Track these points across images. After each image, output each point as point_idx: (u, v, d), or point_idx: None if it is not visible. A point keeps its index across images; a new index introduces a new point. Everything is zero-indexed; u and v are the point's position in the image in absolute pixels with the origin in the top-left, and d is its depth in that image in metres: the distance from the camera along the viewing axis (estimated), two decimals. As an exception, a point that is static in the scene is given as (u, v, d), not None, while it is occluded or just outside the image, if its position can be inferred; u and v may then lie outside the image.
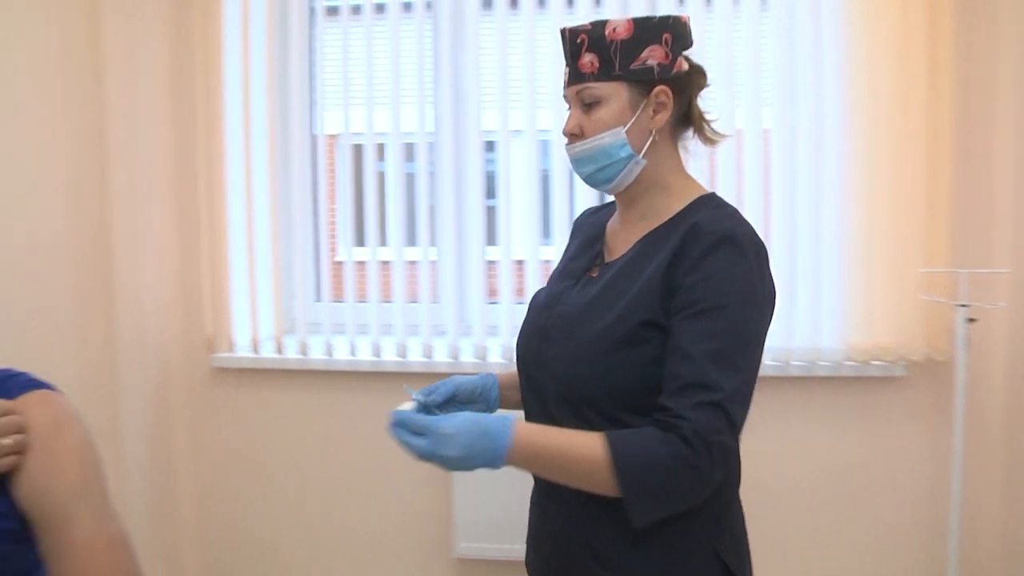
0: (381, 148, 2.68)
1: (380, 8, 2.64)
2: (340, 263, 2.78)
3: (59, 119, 2.35)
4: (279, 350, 2.74)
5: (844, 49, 2.41)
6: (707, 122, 1.44)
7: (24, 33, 2.22)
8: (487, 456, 1.24)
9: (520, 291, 2.71)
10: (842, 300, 2.47)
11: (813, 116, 2.45)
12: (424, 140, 2.63)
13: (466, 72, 2.66)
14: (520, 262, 2.63)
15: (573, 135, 1.41)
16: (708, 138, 1.45)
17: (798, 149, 2.48)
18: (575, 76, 1.40)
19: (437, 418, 1.28)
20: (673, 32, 1.37)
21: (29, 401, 1.19)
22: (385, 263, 2.67)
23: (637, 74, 1.36)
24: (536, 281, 2.60)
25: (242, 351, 2.76)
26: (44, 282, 2.28)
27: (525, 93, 2.58)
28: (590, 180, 1.43)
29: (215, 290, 2.73)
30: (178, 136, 2.75)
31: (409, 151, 2.66)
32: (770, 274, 1.34)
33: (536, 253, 2.62)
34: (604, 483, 1.23)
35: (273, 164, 2.74)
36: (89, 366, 2.43)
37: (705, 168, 2.41)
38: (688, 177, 1.45)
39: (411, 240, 2.71)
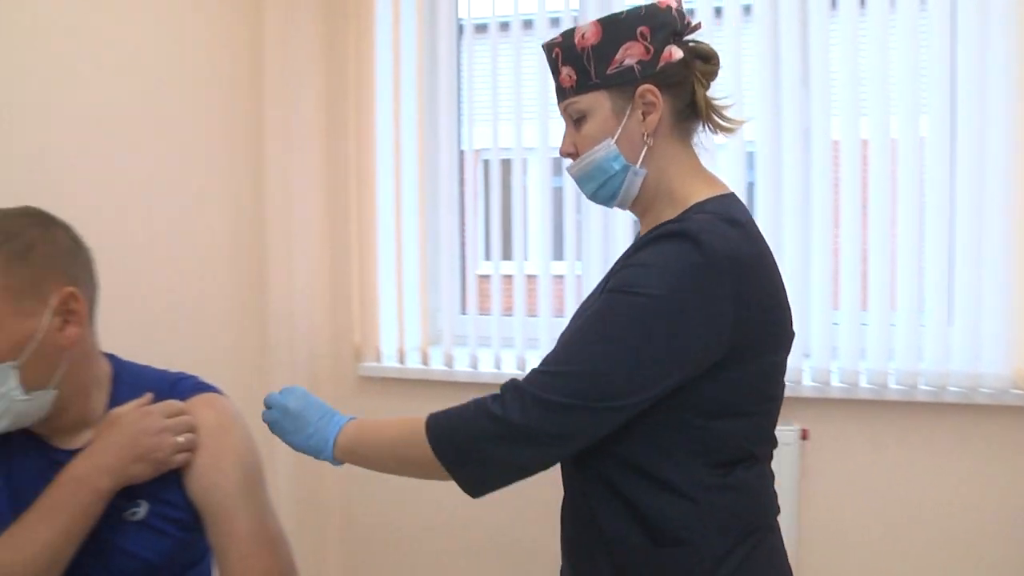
0: (524, 162, 2.72)
1: (527, 24, 2.69)
2: (486, 276, 2.83)
3: (220, 133, 2.50)
4: (425, 361, 2.81)
5: (1014, 51, 2.26)
6: (716, 110, 1.30)
7: (193, 51, 2.38)
8: (318, 434, 1.33)
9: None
10: (1007, 322, 2.28)
11: (975, 124, 2.29)
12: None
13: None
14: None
15: (568, 154, 1.33)
16: (721, 127, 1.31)
17: (958, 159, 2.33)
18: (558, 92, 1.32)
19: (288, 392, 1.38)
20: (650, 23, 1.24)
21: (198, 403, 1.29)
22: (531, 277, 2.71)
23: (615, 78, 1.24)
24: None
25: (388, 361, 2.84)
26: (202, 291, 2.42)
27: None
28: (594, 199, 1.34)
29: (363, 300, 2.84)
30: (330, 150, 2.86)
31: (556, 165, 2.69)
32: (733, 292, 1.16)
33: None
34: (425, 459, 1.22)
35: (421, 178, 2.82)
36: (242, 372, 2.56)
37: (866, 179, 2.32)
38: (697, 180, 1.29)
39: (557, 254, 2.73)
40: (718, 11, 2.50)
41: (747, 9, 2.47)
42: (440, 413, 1.23)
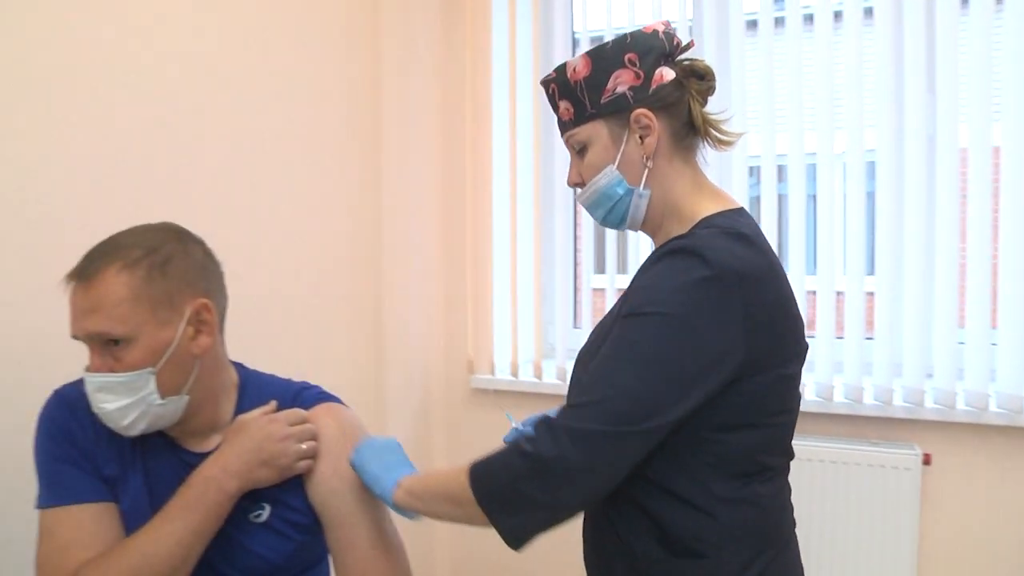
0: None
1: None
2: (600, 290, 2.84)
3: (339, 149, 2.61)
4: (537, 374, 2.84)
5: None
6: (713, 125, 1.32)
7: (315, 67, 2.49)
8: (380, 481, 1.30)
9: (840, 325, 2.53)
10: None
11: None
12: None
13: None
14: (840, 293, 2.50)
15: (575, 185, 1.37)
16: (720, 141, 1.33)
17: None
18: (560, 126, 1.37)
19: (377, 438, 1.37)
20: (637, 48, 1.28)
21: (320, 412, 1.36)
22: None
23: (609, 106, 1.28)
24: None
25: (501, 373, 2.89)
26: (321, 305, 2.51)
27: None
28: (605, 224, 1.37)
29: (477, 314, 2.90)
30: (446, 164, 2.95)
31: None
32: (742, 304, 1.16)
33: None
34: (472, 506, 1.21)
35: (536, 191, 2.88)
36: (358, 383, 2.65)
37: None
38: (703, 196, 1.32)
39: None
40: (837, 15, 2.45)
41: (868, 11, 2.41)
42: (481, 459, 1.23)
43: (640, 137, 1.28)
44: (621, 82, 1.27)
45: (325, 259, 2.53)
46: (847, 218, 2.47)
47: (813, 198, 2.53)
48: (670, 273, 1.18)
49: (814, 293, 2.52)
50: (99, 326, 1.20)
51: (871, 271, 2.48)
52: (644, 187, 1.29)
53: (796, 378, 1.29)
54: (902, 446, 2.38)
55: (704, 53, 2.63)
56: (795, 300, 1.27)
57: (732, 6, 2.59)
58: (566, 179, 1.39)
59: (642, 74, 1.27)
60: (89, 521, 1.23)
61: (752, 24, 2.58)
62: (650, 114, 1.27)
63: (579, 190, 1.36)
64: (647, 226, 1.35)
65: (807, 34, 2.49)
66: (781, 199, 2.58)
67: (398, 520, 1.37)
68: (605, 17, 2.71)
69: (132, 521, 1.25)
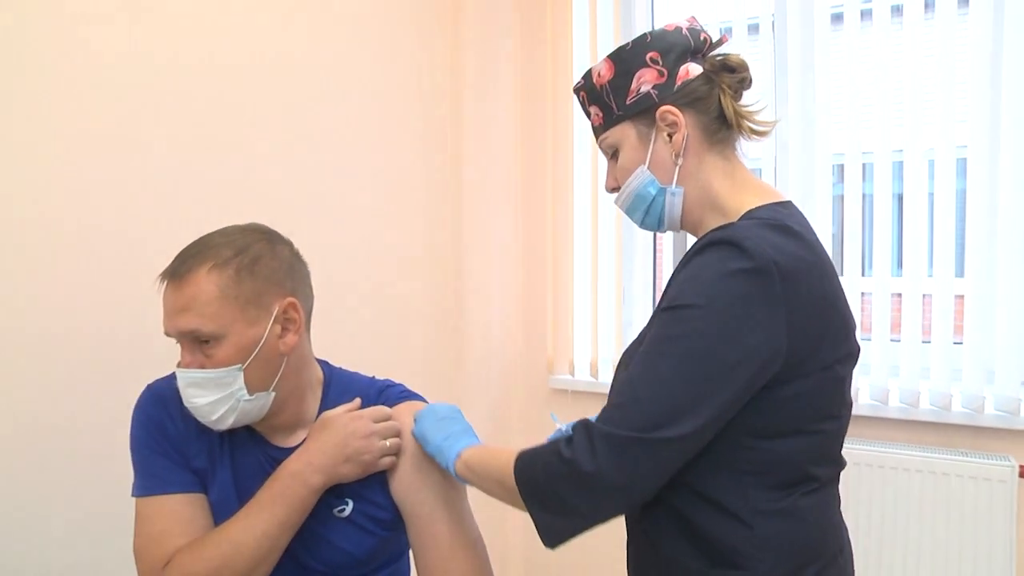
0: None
1: (726, 33, 2.67)
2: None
3: (420, 148, 2.65)
4: (616, 374, 2.85)
5: None
6: (746, 117, 1.28)
7: (397, 70, 2.54)
8: (442, 451, 1.31)
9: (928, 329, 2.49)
10: None
11: None
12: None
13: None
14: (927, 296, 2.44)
15: (612, 189, 1.35)
16: (755, 132, 1.29)
17: None
18: (593, 132, 1.37)
19: (437, 406, 1.39)
20: (658, 46, 1.27)
21: (403, 410, 1.38)
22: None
23: (634, 107, 1.28)
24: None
25: (581, 374, 2.90)
26: (403, 307, 2.57)
27: None
28: (645, 227, 1.35)
29: (557, 314, 2.92)
30: (526, 164, 2.97)
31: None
32: (784, 297, 1.11)
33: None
34: (516, 494, 1.20)
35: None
36: (439, 382, 2.69)
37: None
38: (745, 190, 1.27)
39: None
40: (928, 4, 2.39)
41: (964, 0, 2.34)
42: (528, 449, 1.22)
43: (668, 135, 1.27)
44: (645, 81, 1.27)
45: (406, 259, 2.58)
46: (935, 217, 2.41)
47: (899, 197, 2.47)
48: (708, 264, 1.14)
49: (899, 295, 2.47)
50: (190, 324, 1.24)
51: (960, 273, 2.42)
52: (676, 185, 1.28)
53: (844, 382, 1.23)
54: (995, 457, 2.31)
55: (787, 47, 2.60)
56: (845, 300, 1.23)
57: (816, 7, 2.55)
58: (604, 185, 1.39)
59: (665, 71, 1.26)
60: (181, 510, 1.28)
61: (838, 17, 2.54)
62: (676, 110, 1.25)
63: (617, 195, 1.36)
64: (687, 225, 1.31)
65: (895, 26, 2.44)
66: (865, 198, 2.54)
67: (477, 516, 1.39)
68: (686, 12, 2.69)
69: (220, 512, 1.30)
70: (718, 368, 1.10)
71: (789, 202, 1.27)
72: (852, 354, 1.24)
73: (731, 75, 1.28)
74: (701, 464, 1.17)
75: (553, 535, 1.19)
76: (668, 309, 1.15)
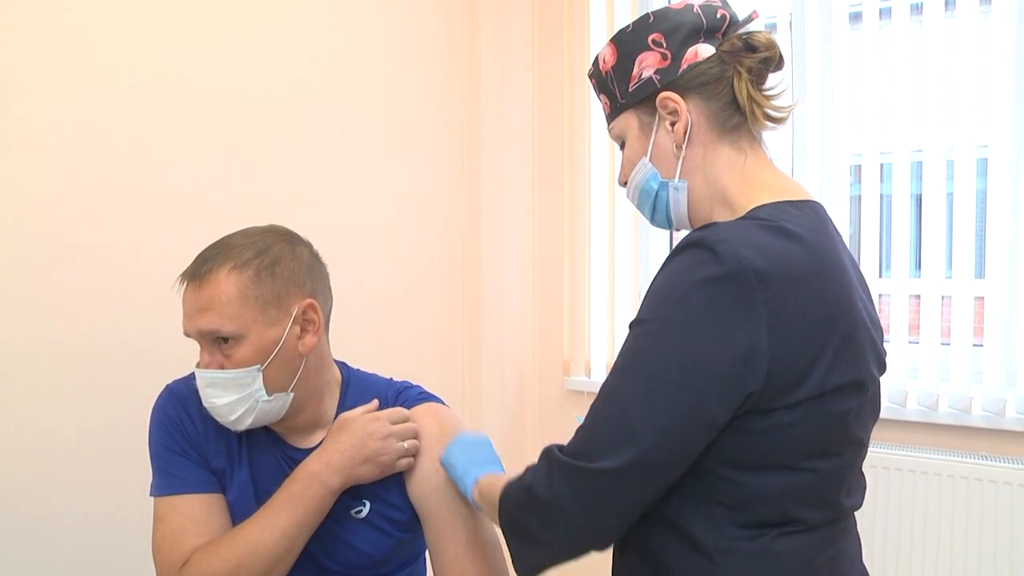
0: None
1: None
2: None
3: (437, 149, 2.67)
4: (631, 376, 2.85)
5: None
6: (760, 103, 1.15)
7: (416, 70, 2.57)
8: (463, 480, 1.28)
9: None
10: None
11: None
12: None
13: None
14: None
15: (623, 183, 1.25)
16: (771, 118, 1.16)
17: None
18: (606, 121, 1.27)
19: (472, 433, 1.36)
20: (661, 27, 1.15)
21: (421, 411, 1.39)
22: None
23: (636, 93, 1.17)
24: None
25: (597, 375, 2.91)
26: (418, 307, 2.60)
27: None
28: (656, 224, 1.24)
29: (573, 315, 2.93)
30: (543, 163, 2.98)
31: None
32: (766, 311, 0.98)
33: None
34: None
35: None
36: (453, 381, 2.71)
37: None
38: (758, 185, 1.14)
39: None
40: (948, 2, 2.39)
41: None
42: (516, 477, 1.17)
43: (670, 124, 1.16)
44: (646, 66, 1.16)
45: (424, 262, 2.61)
46: (954, 218, 2.41)
47: (918, 197, 2.47)
48: (676, 271, 1.03)
49: (918, 297, 2.47)
50: (210, 324, 1.25)
51: (980, 274, 2.42)
52: (680, 179, 1.16)
53: (846, 417, 1.07)
54: (1017, 461, 2.30)
55: (805, 46, 2.60)
56: (862, 320, 1.08)
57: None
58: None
59: (669, 54, 1.15)
60: (200, 510, 1.30)
61: (856, 16, 2.54)
62: (676, 96, 1.14)
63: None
64: (697, 223, 1.18)
65: (914, 24, 2.44)
66: (883, 199, 2.54)
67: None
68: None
69: (238, 512, 1.32)
70: (669, 389, 1.00)
71: (807, 201, 1.13)
72: (860, 384, 1.08)
73: (751, 55, 1.14)
74: (676, 494, 1.07)
75: (523, 565, 1.15)
76: (634, 325, 1.07)
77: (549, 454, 1.09)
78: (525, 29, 2.95)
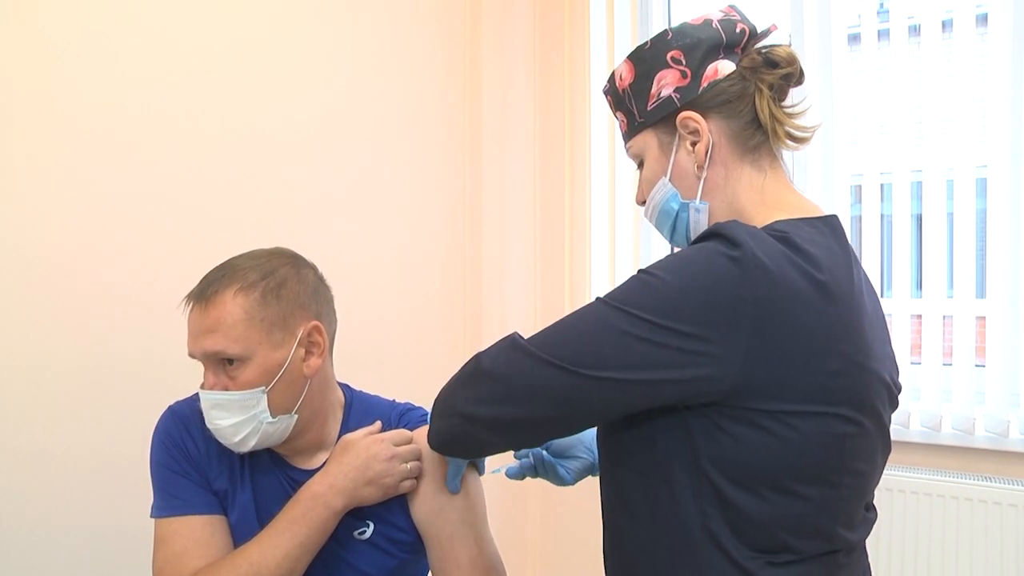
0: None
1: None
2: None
3: (437, 151, 2.70)
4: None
5: None
6: (782, 121, 1.15)
7: (415, 75, 2.60)
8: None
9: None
10: None
11: None
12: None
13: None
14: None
15: (641, 202, 1.24)
16: (793, 138, 1.16)
17: None
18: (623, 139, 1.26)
19: None
20: (680, 44, 1.15)
21: (425, 433, 1.35)
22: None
23: (655, 112, 1.16)
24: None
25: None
26: (421, 319, 2.61)
27: None
28: (674, 244, 1.23)
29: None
30: (544, 172, 3.00)
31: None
32: (757, 312, 0.99)
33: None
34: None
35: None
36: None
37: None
38: (776, 204, 1.13)
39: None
40: (946, 24, 2.43)
41: (982, 19, 2.38)
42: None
43: (691, 144, 1.14)
44: (665, 84, 1.15)
45: (424, 280, 2.63)
46: (954, 238, 2.44)
47: (918, 217, 2.51)
48: (690, 250, 1.05)
49: (919, 317, 2.50)
50: (216, 345, 1.27)
51: (981, 294, 2.45)
52: (701, 200, 1.15)
53: (845, 441, 1.05)
54: (1021, 483, 2.29)
55: (805, 66, 2.62)
56: (872, 352, 1.07)
57: (834, 19, 2.59)
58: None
59: (689, 72, 1.13)
60: (201, 531, 1.31)
61: (855, 37, 2.58)
62: (697, 116, 1.13)
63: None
64: None
65: (912, 45, 2.48)
66: (884, 219, 2.57)
67: (498, 539, 1.41)
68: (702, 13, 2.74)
69: (240, 534, 1.33)
70: (644, 338, 1.01)
71: (823, 218, 1.12)
72: (859, 410, 1.06)
73: (772, 71, 1.14)
74: (678, 490, 1.07)
75: (436, 437, 1.21)
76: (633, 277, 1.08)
77: (510, 336, 1.12)
78: (527, 33, 2.97)
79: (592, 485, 1.30)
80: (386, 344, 2.46)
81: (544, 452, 1.36)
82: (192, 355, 1.31)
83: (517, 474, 1.39)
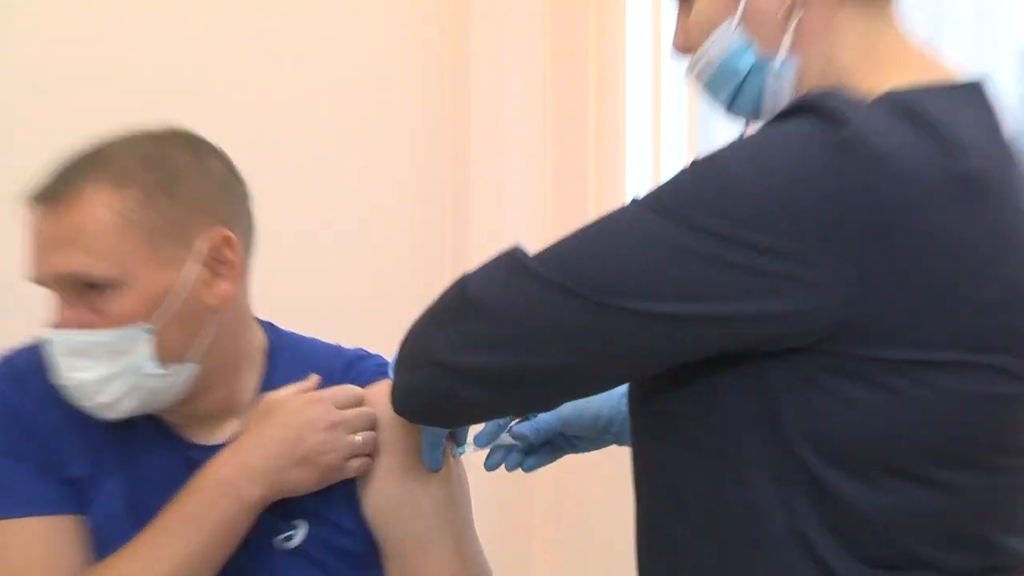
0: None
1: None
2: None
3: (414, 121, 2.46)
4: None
5: None
6: None
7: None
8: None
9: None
10: None
11: None
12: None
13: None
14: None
15: (683, 50, 1.01)
16: None
17: None
18: None
19: None
20: None
21: (382, 391, 1.14)
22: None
23: None
24: None
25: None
26: (382, 244, 2.36)
27: None
28: (734, 112, 1.01)
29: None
30: (557, 154, 2.67)
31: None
32: (879, 221, 0.78)
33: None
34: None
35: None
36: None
37: None
38: (890, 60, 0.92)
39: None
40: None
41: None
42: None
43: None
44: None
45: (388, 159, 2.38)
46: None
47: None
48: (766, 131, 0.88)
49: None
50: (72, 264, 1.03)
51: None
52: (786, 56, 0.94)
53: (1000, 405, 0.85)
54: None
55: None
56: None
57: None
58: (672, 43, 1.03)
59: None
60: (41, 540, 1.09)
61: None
62: None
63: (687, 64, 1.02)
64: None
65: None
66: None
67: (488, 543, 1.20)
68: None
69: (106, 540, 1.09)
70: (697, 258, 0.82)
71: (968, 84, 0.89)
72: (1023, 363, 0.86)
73: None
74: (762, 478, 0.87)
75: (399, 393, 1.02)
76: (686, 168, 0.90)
77: (511, 251, 0.92)
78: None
79: (624, 465, 1.05)
80: (329, 260, 2.23)
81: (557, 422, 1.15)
82: (37, 280, 1.07)
83: (506, 460, 1.18)
